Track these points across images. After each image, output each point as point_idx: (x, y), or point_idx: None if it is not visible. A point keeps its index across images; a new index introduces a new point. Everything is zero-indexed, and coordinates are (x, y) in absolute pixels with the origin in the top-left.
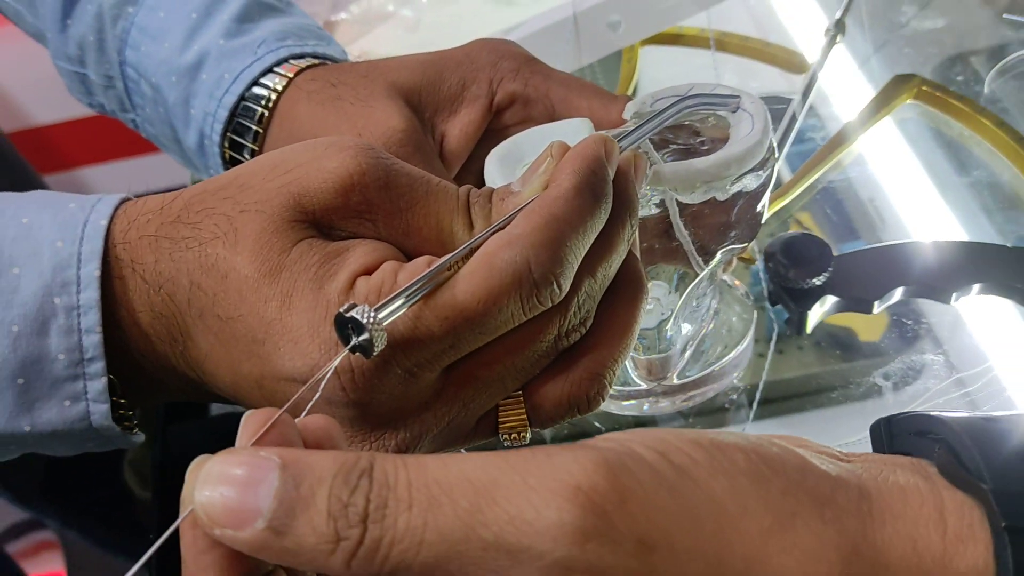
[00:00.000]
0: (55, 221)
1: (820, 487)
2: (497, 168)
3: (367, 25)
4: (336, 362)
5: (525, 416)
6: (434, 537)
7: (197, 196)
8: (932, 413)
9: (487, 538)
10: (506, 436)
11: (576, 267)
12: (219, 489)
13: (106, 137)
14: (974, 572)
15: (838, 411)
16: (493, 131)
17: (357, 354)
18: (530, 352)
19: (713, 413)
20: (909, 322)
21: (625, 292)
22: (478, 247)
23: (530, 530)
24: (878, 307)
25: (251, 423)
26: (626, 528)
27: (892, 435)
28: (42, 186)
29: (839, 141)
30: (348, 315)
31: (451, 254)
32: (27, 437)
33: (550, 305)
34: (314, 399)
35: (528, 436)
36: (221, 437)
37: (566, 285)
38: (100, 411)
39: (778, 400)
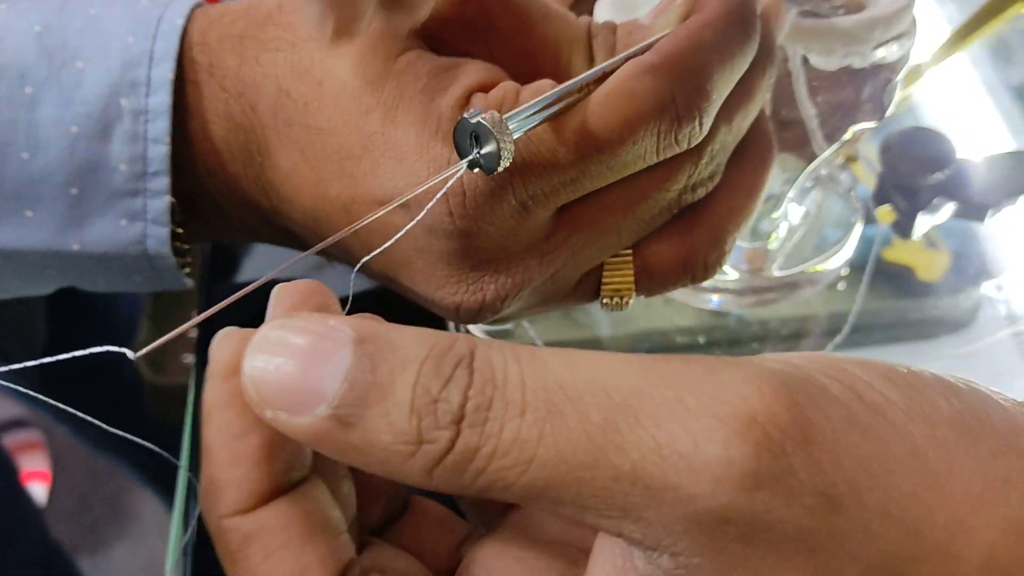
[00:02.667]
0: (126, 15)
1: None
2: (609, 10)
3: None
4: (460, 169)
5: (632, 278)
6: (550, 455)
7: None
8: None
9: (621, 467)
10: (607, 299)
11: (718, 106)
12: (276, 359)
13: None
14: None
15: (899, 349)
16: None
17: (476, 172)
18: (653, 202)
19: (787, 339)
20: (970, 264)
21: (755, 151)
22: (612, 72)
23: (683, 465)
24: (991, 215)
25: (288, 293)
26: (807, 476)
27: None
28: None
29: (940, 54)
30: (474, 120)
31: (584, 74)
32: (72, 258)
33: (686, 147)
34: (413, 222)
35: (631, 302)
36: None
37: (707, 124)
38: (159, 235)
39: (833, 335)
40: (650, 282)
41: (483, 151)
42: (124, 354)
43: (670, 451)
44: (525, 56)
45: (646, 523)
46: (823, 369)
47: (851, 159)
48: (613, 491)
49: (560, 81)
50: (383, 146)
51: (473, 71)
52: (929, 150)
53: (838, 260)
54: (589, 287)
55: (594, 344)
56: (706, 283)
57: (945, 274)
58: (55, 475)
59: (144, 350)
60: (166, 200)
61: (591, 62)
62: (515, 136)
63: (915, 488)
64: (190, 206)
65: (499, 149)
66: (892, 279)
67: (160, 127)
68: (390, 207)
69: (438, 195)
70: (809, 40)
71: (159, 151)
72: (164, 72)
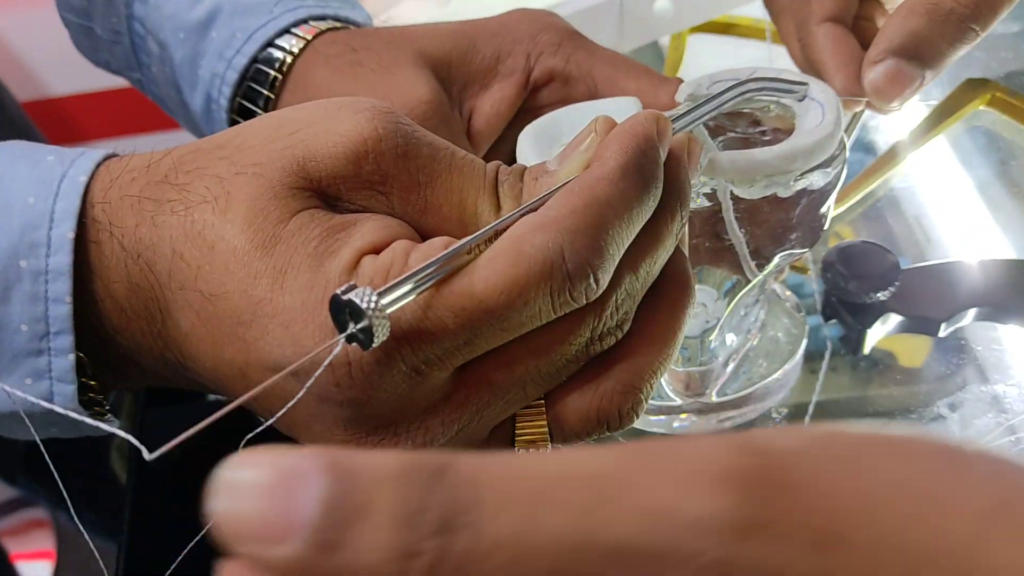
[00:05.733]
0: (30, 174)
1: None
2: (531, 146)
3: None
4: (337, 344)
5: (546, 429)
6: (542, 545)
7: (189, 154)
8: None
9: (611, 541)
10: (523, 449)
11: (617, 260)
12: (243, 497)
13: (125, 111)
14: None
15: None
16: (528, 110)
17: (354, 345)
18: (557, 356)
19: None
20: (953, 350)
21: (670, 293)
22: (505, 229)
23: (673, 526)
24: (945, 329)
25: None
26: (798, 518)
27: None
28: None
29: (900, 149)
30: (345, 298)
31: (473, 235)
32: None
33: (584, 302)
34: (300, 393)
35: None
36: (214, 425)
37: (604, 280)
38: (65, 392)
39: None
40: (564, 433)
41: (357, 327)
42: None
43: (657, 516)
44: (429, 207)
45: None
46: (785, 431)
47: (802, 269)
48: (611, 566)
49: (465, 232)
50: (271, 312)
51: (366, 231)
52: (871, 267)
53: (787, 368)
54: (503, 437)
55: None
56: (668, 404)
57: (927, 360)
58: (60, 554)
59: (160, 450)
60: (70, 358)
61: (498, 210)
62: (393, 308)
63: (917, 510)
64: (101, 359)
65: (372, 326)
66: (874, 364)
67: (61, 287)
68: (275, 379)
69: (318, 372)
70: (729, 173)
71: (60, 311)
72: (64, 232)
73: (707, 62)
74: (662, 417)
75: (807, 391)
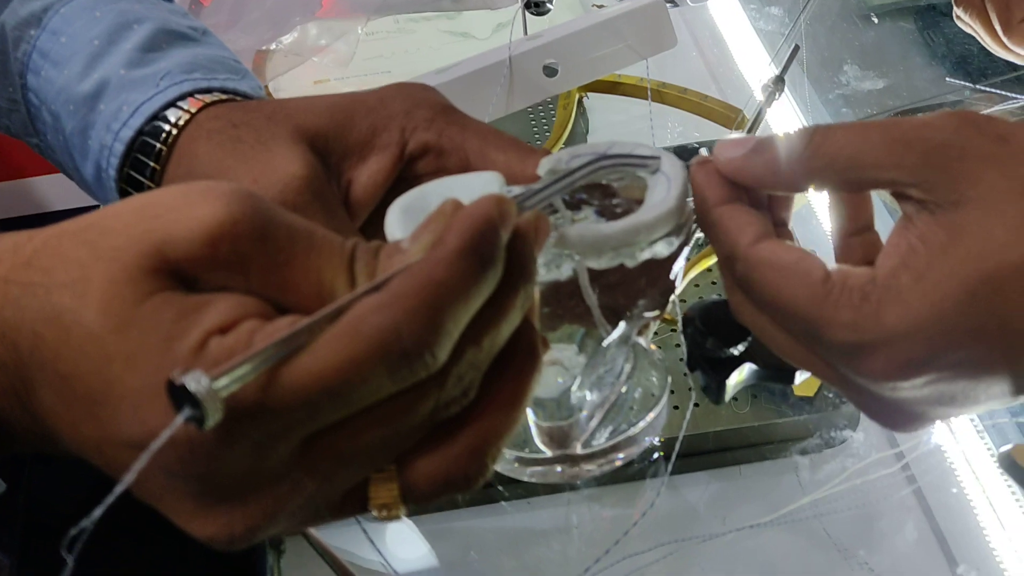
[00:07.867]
0: None
1: None
2: (399, 219)
3: (299, 57)
4: (166, 434)
5: (398, 492)
6: None
7: (54, 237)
8: None
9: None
10: (377, 512)
11: (455, 336)
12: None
13: None
14: None
15: (767, 467)
16: (406, 180)
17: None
18: (401, 425)
19: (630, 479)
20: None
21: (516, 362)
22: (347, 309)
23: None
24: (800, 378)
25: None
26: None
27: None
28: None
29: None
30: (178, 382)
31: (313, 316)
32: None
33: (423, 376)
34: (137, 465)
35: (402, 513)
36: (98, 480)
37: (441, 356)
38: None
39: (705, 453)
40: (415, 495)
41: (191, 410)
42: None
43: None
44: (287, 286)
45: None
46: None
47: (672, 323)
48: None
49: (317, 308)
50: (122, 393)
51: (218, 312)
52: (726, 323)
53: (653, 416)
54: (357, 500)
55: None
56: (543, 456)
57: (821, 390)
58: None
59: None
60: None
61: (353, 287)
62: (229, 390)
63: None
64: None
65: (204, 409)
66: (769, 392)
67: None
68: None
69: (152, 449)
70: (577, 246)
71: None
72: None
73: (601, 117)
74: (538, 468)
75: (699, 420)
